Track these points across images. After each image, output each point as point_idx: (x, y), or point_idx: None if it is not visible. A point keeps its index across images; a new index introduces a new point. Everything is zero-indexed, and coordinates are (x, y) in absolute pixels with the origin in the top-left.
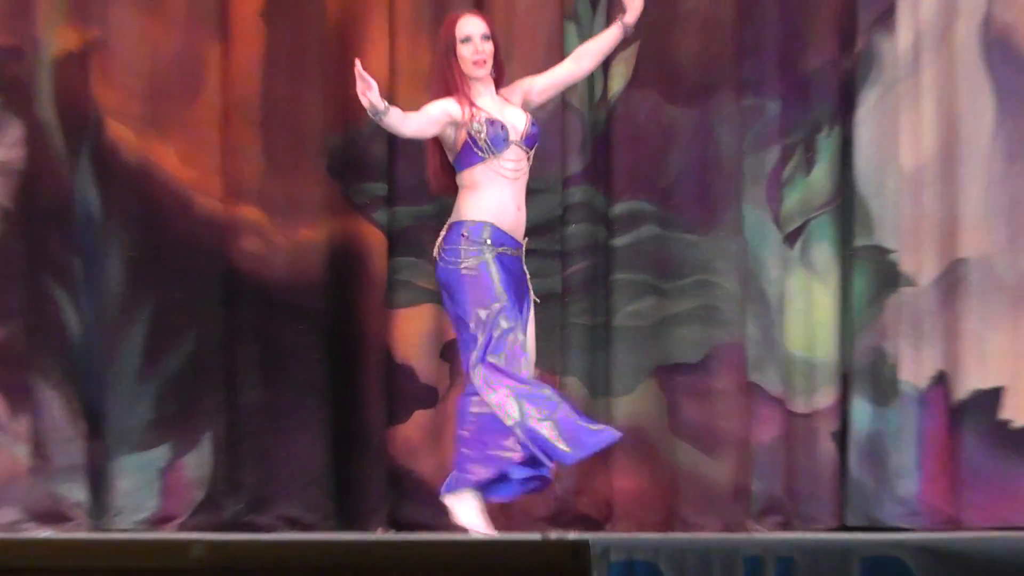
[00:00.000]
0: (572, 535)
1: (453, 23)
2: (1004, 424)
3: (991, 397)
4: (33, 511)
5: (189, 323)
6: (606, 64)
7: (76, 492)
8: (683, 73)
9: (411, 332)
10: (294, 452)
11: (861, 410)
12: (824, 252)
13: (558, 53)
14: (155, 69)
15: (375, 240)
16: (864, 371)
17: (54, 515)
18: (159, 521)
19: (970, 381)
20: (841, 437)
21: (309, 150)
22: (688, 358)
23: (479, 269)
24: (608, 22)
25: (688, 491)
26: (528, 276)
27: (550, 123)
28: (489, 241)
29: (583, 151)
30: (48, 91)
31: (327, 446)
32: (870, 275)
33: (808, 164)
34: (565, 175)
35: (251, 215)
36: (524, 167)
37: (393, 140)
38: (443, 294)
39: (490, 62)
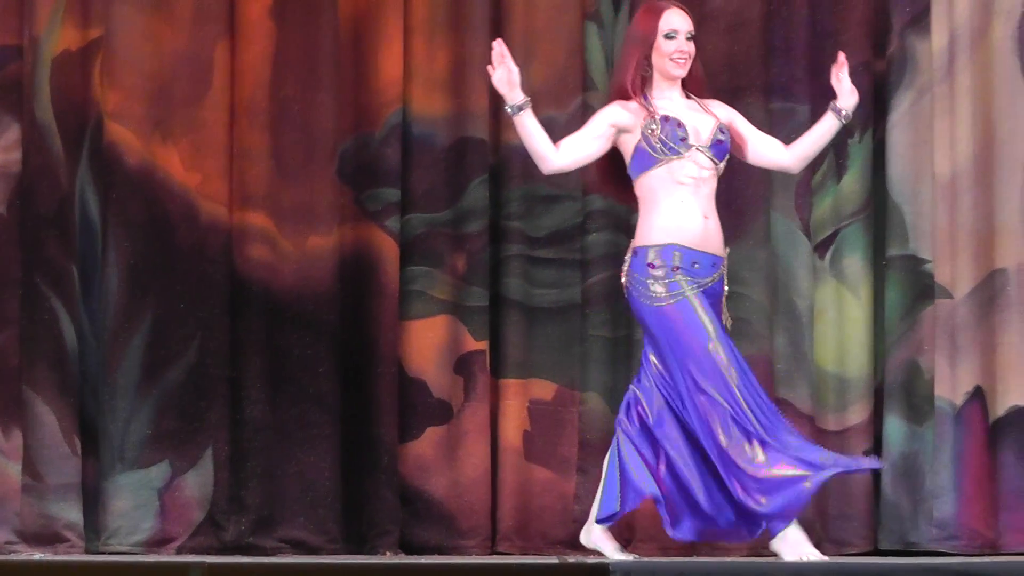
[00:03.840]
0: (591, 559)
1: (658, 15)
2: None
3: None
4: (24, 532)
5: (191, 334)
6: None
7: (70, 512)
8: (709, 75)
9: (425, 345)
10: (300, 470)
11: (895, 428)
12: (856, 262)
13: (579, 54)
14: (159, 69)
15: (388, 248)
16: (898, 387)
17: (46, 536)
18: (156, 543)
19: (1009, 397)
20: (874, 456)
21: (319, 154)
22: None
23: (679, 308)
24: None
25: None
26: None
27: (570, 123)
28: (680, 267)
29: None
30: (46, 91)
31: (335, 464)
32: (904, 286)
33: (839, 170)
34: (586, 180)
35: (258, 221)
36: (709, 177)
37: (407, 144)
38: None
39: (689, 63)
